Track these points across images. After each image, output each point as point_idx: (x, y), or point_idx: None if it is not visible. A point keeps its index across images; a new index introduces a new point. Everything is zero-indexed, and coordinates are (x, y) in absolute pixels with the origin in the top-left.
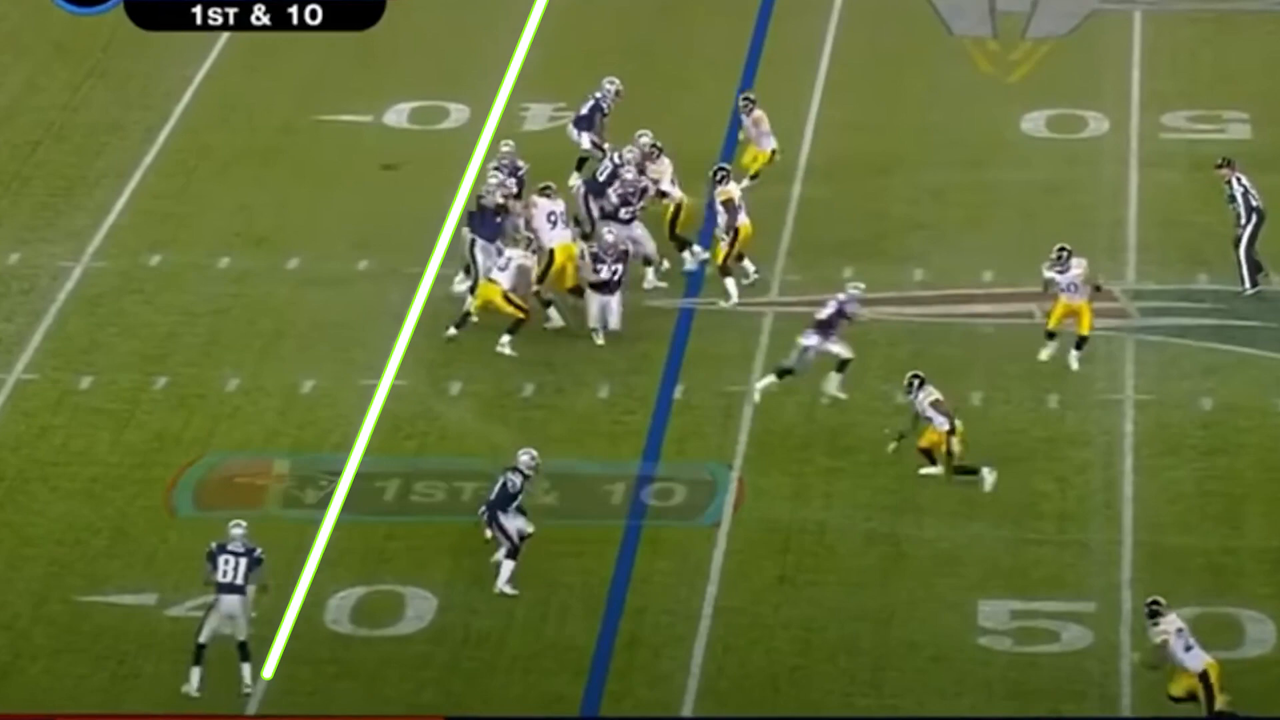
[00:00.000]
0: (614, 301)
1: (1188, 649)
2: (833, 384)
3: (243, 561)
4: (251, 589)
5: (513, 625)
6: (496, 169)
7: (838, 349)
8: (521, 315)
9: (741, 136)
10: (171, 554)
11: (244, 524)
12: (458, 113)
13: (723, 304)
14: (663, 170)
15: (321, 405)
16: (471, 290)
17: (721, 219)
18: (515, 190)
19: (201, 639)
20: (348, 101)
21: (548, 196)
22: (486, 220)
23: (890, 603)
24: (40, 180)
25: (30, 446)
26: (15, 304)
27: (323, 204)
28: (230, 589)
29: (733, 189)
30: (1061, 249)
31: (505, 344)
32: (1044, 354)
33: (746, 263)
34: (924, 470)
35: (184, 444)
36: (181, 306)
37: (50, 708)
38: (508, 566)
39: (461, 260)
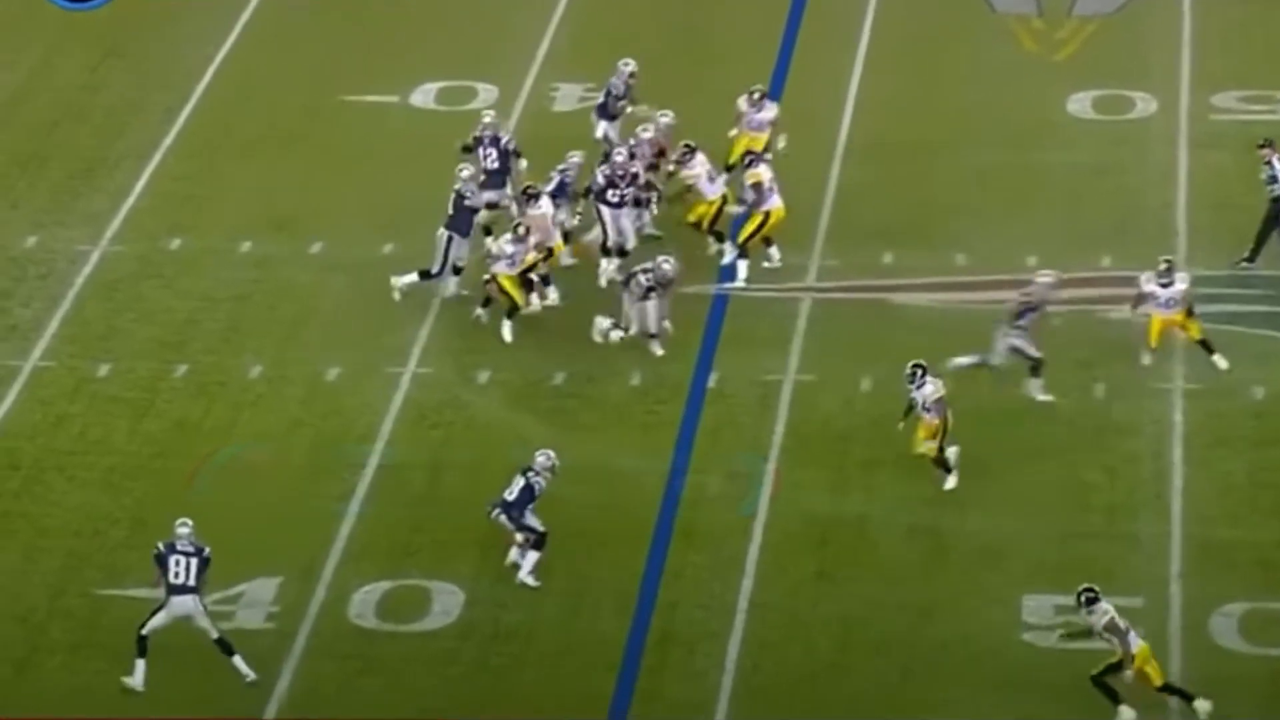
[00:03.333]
0: (650, 306)
1: (1127, 630)
2: (1035, 388)
3: (193, 561)
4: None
5: (542, 620)
6: (474, 143)
7: (1032, 350)
8: (522, 303)
9: (733, 133)
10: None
11: (190, 522)
12: (486, 93)
13: (734, 284)
14: (697, 170)
15: (346, 394)
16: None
17: (749, 200)
18: (497, 163)
19: (144, 631)
20: (373, 82)
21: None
22: (461, 216)
23: (932, 598)
24: (58, 162)
25: (47, 435)
26: (32, 289)
27: (347, 187)
28: (181, 590)
29: (763, 171)
30: (1168, 262)
31: (506, 328)
32: (1145, 359)
33: (773, 249)
34: (949, 485)
35: (204, 433)
36: (202, 292)
37: (67, 705)
38: (532, 557)
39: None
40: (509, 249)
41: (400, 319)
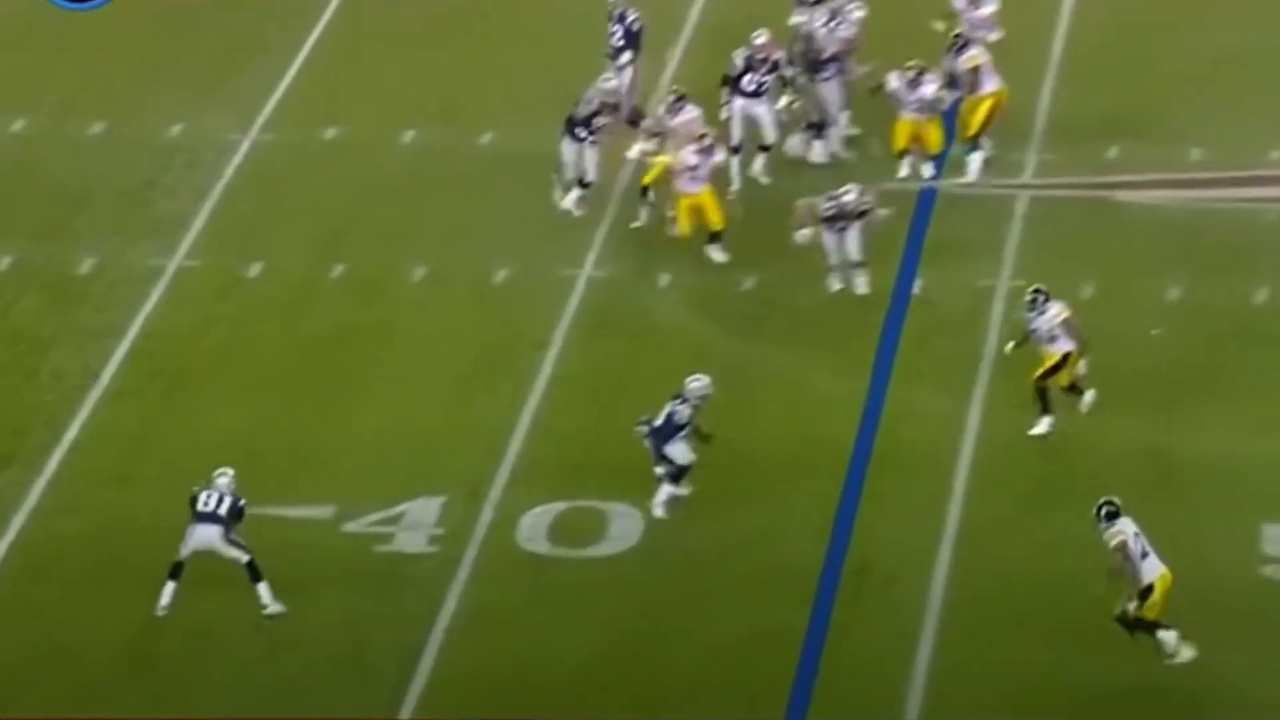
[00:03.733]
0: (852, 232)
1: (1144, 555)
2: None
3: (226, 498)
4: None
5: (730, 547)
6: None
7: None
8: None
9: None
10: (349, 461)
11: (230, 472)
12: None
13: (964, 180)
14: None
15: (517, 297)
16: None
17: (966, 86)
18: (622, 41)
19: (180, 557)
20: None
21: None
22: (577, 125)
23: (1158, 527)
24: (206, 43)
25: (192, 340)
26: (177, 180)
27: (521, 75)
28: (208, 518)
29: (978, 53)
30: None
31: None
32: None
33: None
34: (1045, 430)
35: (364, 337)
36: (361, 185)
37: (217, 633)
38: (664, 491)
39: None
40: (692, 160)
41: (575, 217)
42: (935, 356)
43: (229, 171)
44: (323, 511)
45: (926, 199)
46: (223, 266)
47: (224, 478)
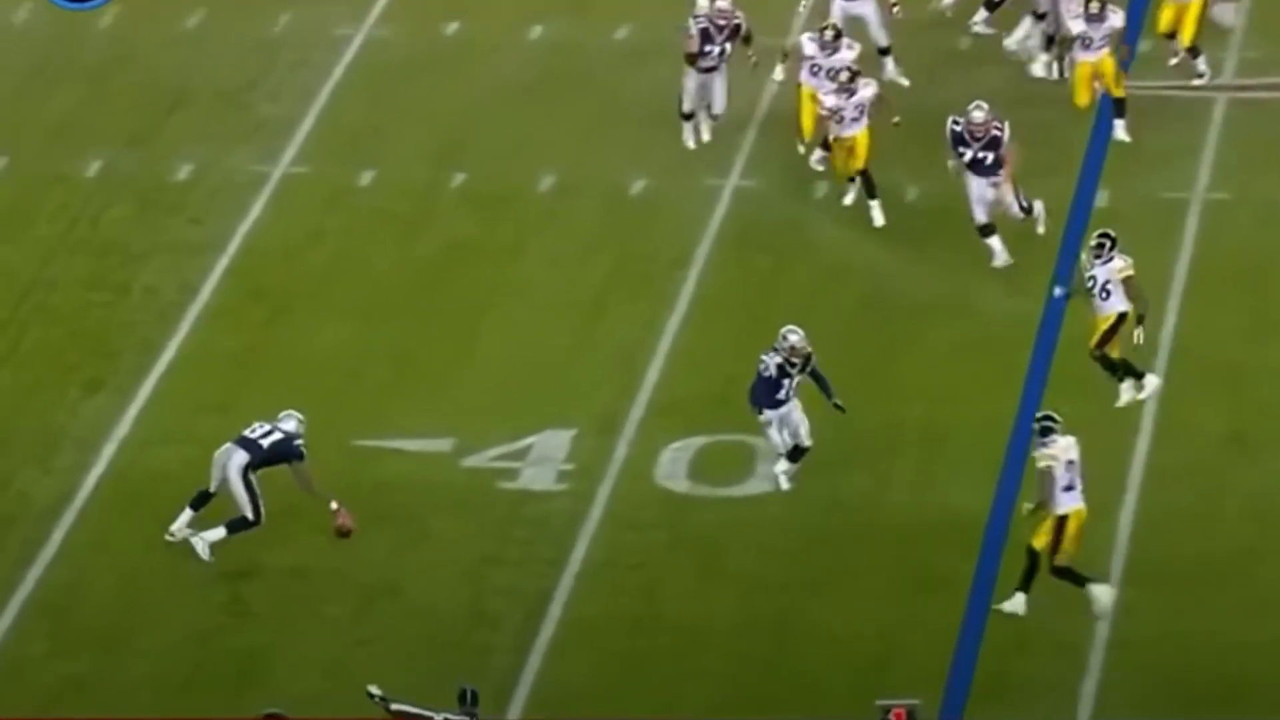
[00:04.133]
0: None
1: (1068, 488)
2: None
3: (276, 435)
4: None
5: (890, 488)
6: None
7: None
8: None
9: None
10: (470, 390)
11: (300, 416)
12: None
13: (1195, 83)
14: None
15: (654, 209)
16: None
17: None
18: None
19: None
20: None
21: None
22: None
23: None
24: None
25: (298, 256)
26: (282, 80)
27: None
28: (243, 442)
29: None
30: None
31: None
32: None
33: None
34: (1130, 398)
35: (486, 254)
36: (484, 86)
37: (318, 577)
38: (782, 465)
39: None
40: (831, 101)
41: (720, 122)
42: None
43: (339, 70)
44: (440, 445)
45: (1109, 103)
46: (331, 176)
47: (292, 421)
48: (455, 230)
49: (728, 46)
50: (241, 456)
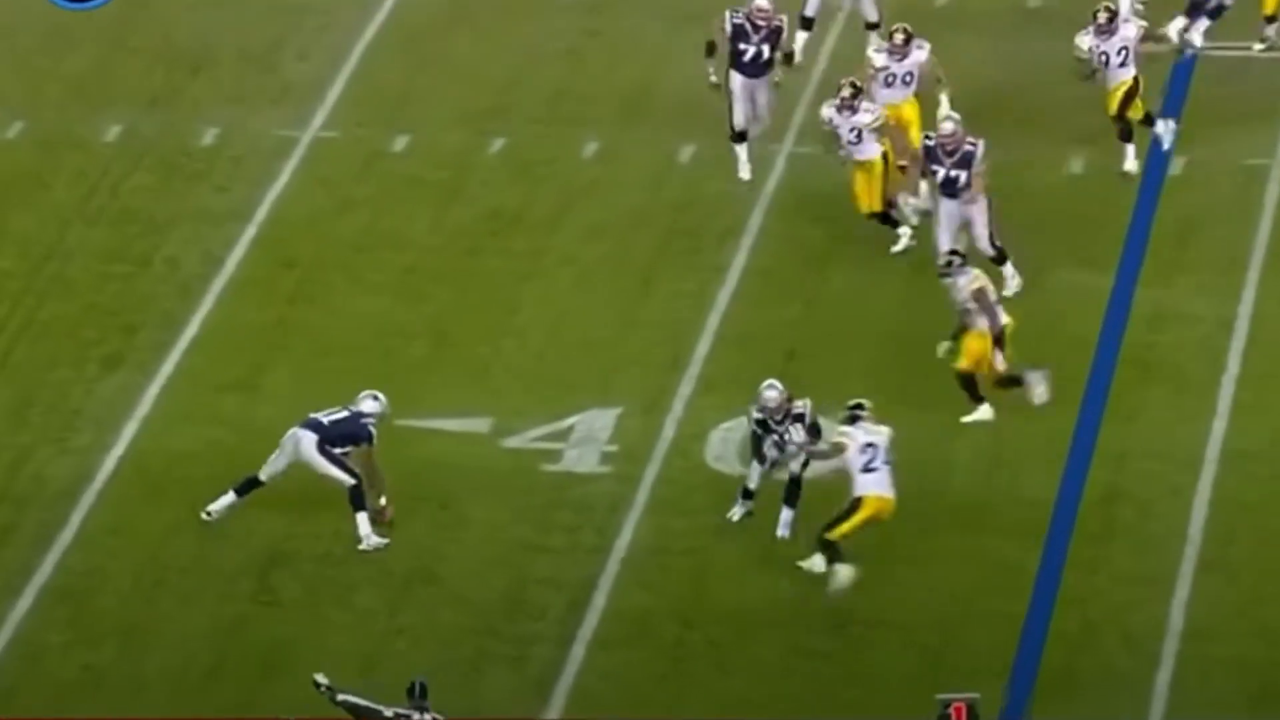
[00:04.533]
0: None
1: (868, 469)
2: None
3: (344, 415)
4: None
5: (954, 471)
6: None
7: None
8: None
9: None
10: (509, 367)
11: (382, 397)
12: None
13: (1256, 47)
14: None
15: (703, 177)
16: None
17: None
18: None
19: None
20: None
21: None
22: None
23: None
24: None
25: (329, 225)
26: (309, 40)
27: None
28: (308, 422)
29: None
30: None
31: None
32: None
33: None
34: (968, 418)
35: (526, 225)
36: (524, 45)
37: (357, 561)
38: (786, 514)
39: None
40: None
41: (777, 81)
42: (1196, 247)
43: (371, 29)
44: (478, 425)
45: (1186, 66)
46: (363, 140)
47: (374, 402)
48: (494, 198)
49: (764, 50)
50: (310, 437)
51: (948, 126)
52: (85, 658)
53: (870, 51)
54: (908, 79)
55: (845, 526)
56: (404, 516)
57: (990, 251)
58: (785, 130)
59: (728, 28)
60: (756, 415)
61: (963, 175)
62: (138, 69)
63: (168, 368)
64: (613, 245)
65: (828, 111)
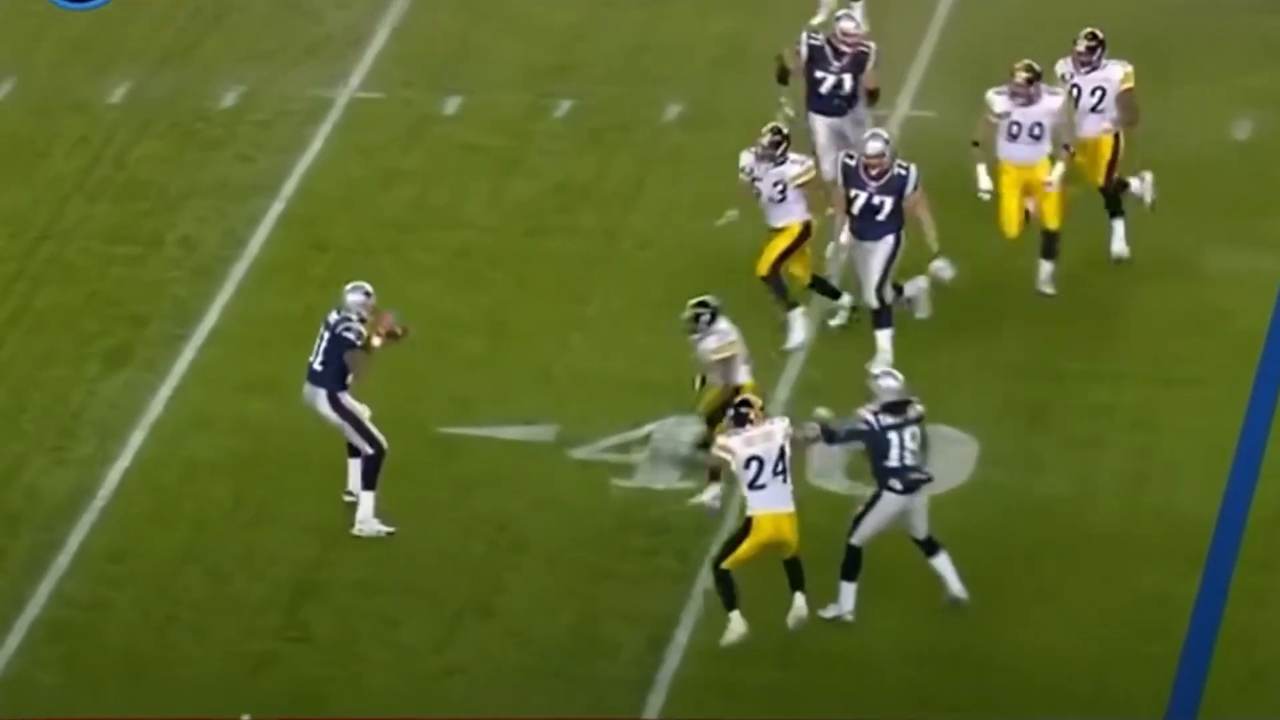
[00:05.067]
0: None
1: (757, 484)
2: None
3: (325, 338)
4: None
5: (1093, 487)
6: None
7: None
8: None
9: None
10: (577, 366)
11: (369, 287)
12: None
13: None
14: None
15: (805, 145)
16: None
17: None
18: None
19: None
20: None
21: None
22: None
23: None
24: None
25: (369, 200)
26: None
27: None
28: (310, 374)
29: None
30: None
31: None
32: None
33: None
34: (694, 500)
35: (596, 201)
36: None
37: (400, 590)
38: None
39: None
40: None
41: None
42: None
43: None
44: (541, 433)
45: None
46: (410, 102)
47: (358, 293)
48: (560, 168)
49: (846, 80)
50: (317, 392)
51: (874, 145)
52: (83, 703)
53: (990, 94)
54: (1037, 131)
55: (740, 552)
56: (454, 539)
57: (875, 304)
58: (898, 90)
59: (804, 51)
60: (876, 412)
61: (887, 203)
62: (148, 19)
63: (181, 365)
64: (698, 223)
65: (747, 159)
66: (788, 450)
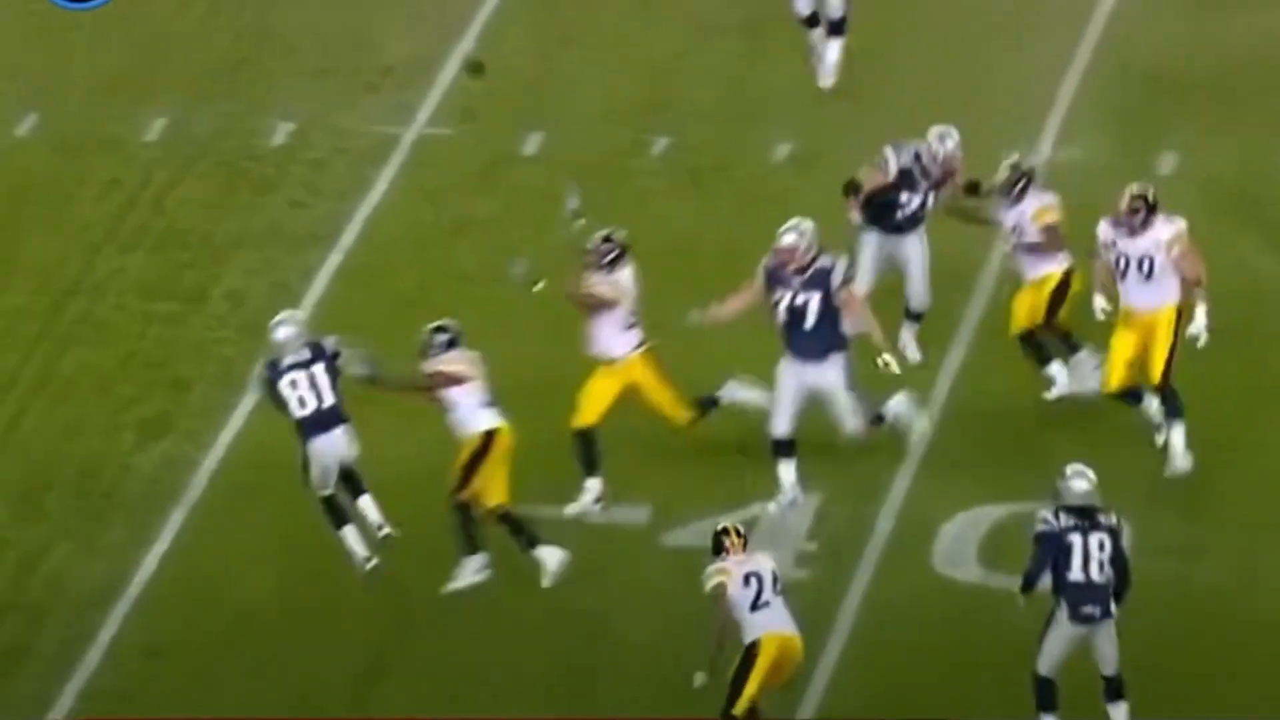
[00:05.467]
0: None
1: (757, 605)
2: None
3: (317, 371)
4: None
5: (1259, 573)
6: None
7: None
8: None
9: None
10: (673, 438)
11: (297, 314)
12: None
13: None
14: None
15: None
16: None
17: None
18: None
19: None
20: None
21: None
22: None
23: None
24: None
25: (439, 249)
26: (415, 10)
27: None
28: (315, 422)
29: None
30: None
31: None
32: None
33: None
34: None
35: (697, 247)
36: (693, 17)
37: (471, 679)
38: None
39: None
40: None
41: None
42: None
43: None
44: (633, 515)
45: None
46: (484, 140)
47: (285, 327)
48: (653, 212)
49: (930, 200)
50: (338, 435)
51: (788, 239)
52: None
53: (1102, 224)
54: (1146, 266)
55: (749, 687)
56: (539, 630)
57: (858, 435)
58: (1038, 129)
59: (892, 168)
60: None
61: (814, 300)
62: (187, 45)
63: (226, 436)
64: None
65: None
66: (779, 578)
